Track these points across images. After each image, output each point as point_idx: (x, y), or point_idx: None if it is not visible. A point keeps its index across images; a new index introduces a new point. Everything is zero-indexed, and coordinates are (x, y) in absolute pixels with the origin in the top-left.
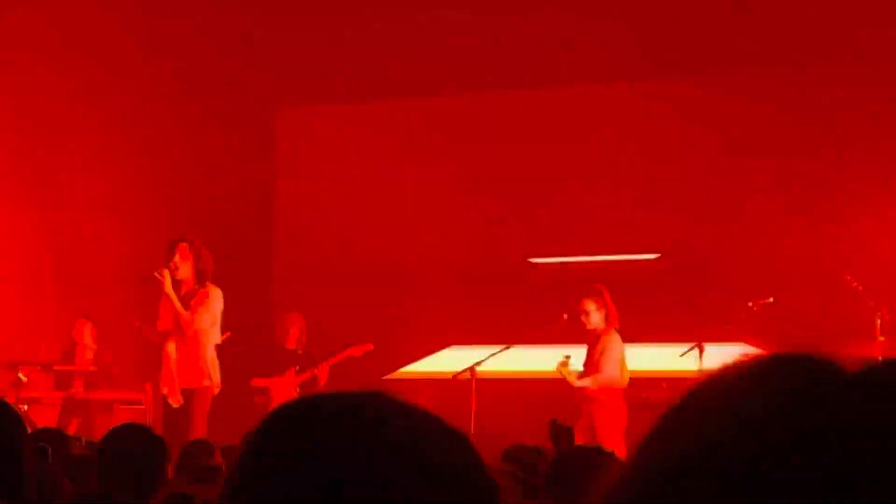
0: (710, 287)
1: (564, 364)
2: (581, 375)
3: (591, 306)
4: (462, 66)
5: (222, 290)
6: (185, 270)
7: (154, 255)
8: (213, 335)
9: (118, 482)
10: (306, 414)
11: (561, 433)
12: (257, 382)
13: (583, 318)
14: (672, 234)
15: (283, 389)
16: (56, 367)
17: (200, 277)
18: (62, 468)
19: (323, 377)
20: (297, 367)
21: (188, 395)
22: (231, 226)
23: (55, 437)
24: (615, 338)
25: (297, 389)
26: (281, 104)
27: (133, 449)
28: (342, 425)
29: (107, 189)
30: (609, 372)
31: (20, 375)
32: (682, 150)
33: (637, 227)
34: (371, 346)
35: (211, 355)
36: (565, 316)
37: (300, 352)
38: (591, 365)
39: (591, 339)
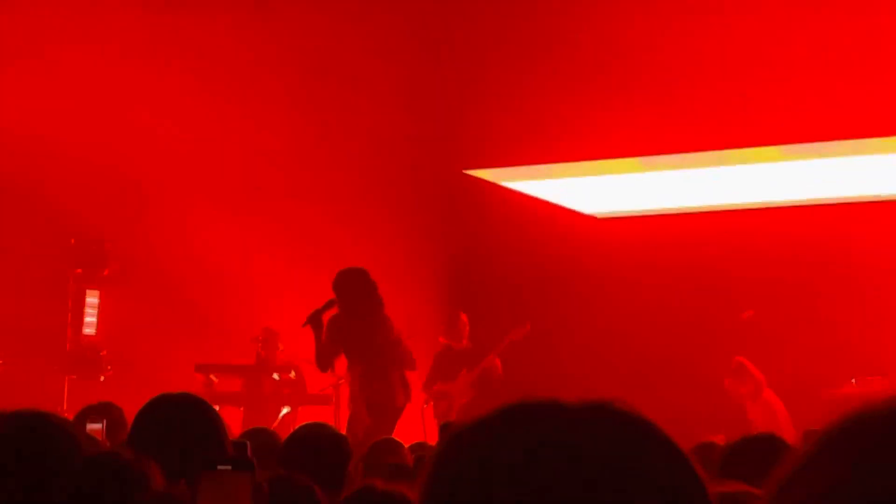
0: None
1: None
2: None
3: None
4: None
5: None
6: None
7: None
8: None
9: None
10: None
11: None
12: (439, 387)
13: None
14: None
15: (461, 391)
16: (247, 369)
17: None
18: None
19: (497, 367)
20: (467, 367)
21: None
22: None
23: (252, 435)
24: (765, 405)
25: (473, 388)
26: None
27: (316, 447)
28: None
29: (293, 233)
30: None
31: (212, 377)
32: None
33: None
34: (528, 327)
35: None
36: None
37: (468, 348)
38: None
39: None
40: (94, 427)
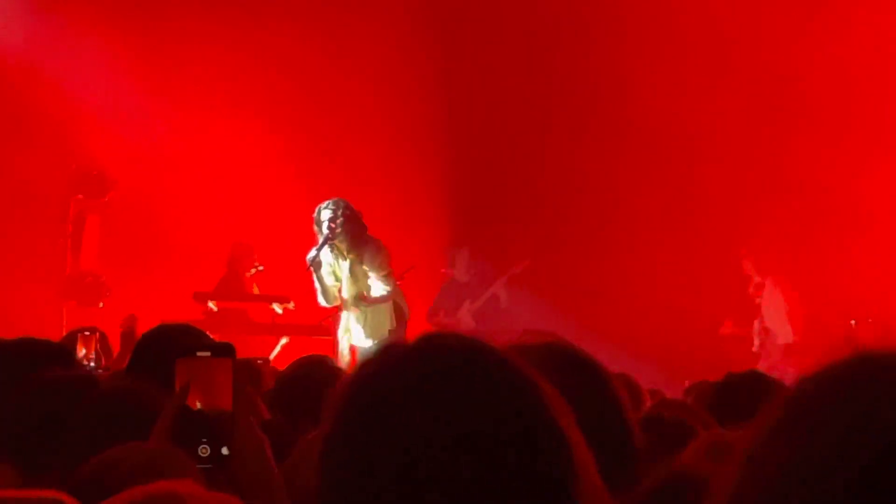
0: None
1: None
2: None
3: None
4: None
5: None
6: None
7: None
8: None
9: (298, 413)
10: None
11: None
12: (441, 318)
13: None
14: None
15: (463, 322)
16: (245, 297)
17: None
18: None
19: (498, 300)
20: (470, 299)
21: None
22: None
23: (247, 366)
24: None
25: (474, 319)
26: None
27: (313, 380)
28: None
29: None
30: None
31: (211, 305)
32: None
33: None
34: (528, 262)
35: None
36: None
37: (472, 281)
38: None
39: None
40: (86, 336)
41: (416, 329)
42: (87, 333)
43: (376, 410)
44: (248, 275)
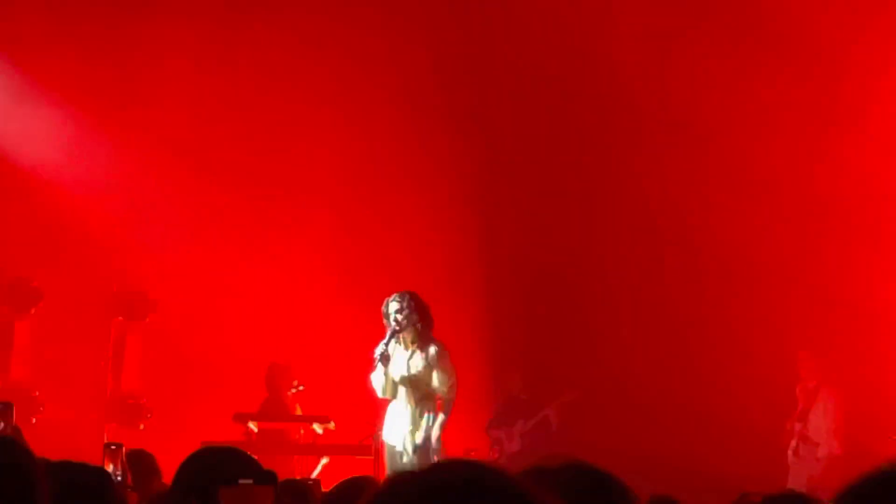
0: None
1: None
2: None
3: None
4: None
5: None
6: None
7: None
8: None
9: None
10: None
11: None
12: (495, 433)
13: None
14: None
15: (512, 439)
16: (286, 418)
17: None
18: None
19: (549, 422)
20: (524, 418)
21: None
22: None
23: (297, 487)
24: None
25: (522, 439)
26: None
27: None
28: None
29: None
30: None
31: (251, 426)
32: None
33: None
34: (579, 392)
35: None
36: None
37: (525, 398)
38: None
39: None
40: (112, 450)
41: (472, 441)
42: (112, 448)
43: None
44: (289, 394)
